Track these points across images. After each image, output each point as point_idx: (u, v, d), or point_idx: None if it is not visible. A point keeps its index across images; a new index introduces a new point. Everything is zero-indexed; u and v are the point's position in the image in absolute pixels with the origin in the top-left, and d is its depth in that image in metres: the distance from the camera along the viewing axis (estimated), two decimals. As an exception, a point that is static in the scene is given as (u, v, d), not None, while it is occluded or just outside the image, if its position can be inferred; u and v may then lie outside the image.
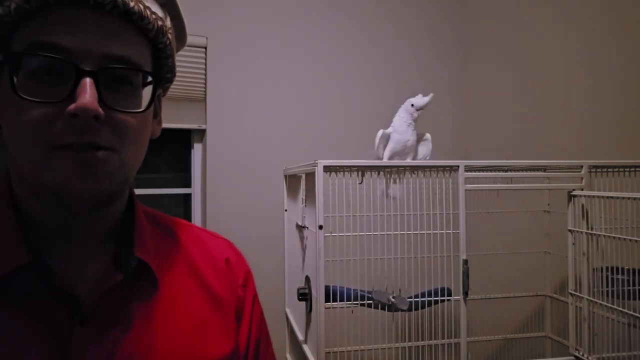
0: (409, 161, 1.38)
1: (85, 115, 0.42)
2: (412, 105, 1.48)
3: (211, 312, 0.55)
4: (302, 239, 1.66)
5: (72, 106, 0.42)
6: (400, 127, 1.49)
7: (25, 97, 0.42)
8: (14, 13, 0.43)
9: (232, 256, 0.63)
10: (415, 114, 1.48)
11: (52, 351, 0.44)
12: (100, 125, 0.44)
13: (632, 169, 1.39)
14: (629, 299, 1.18)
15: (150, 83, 0.50)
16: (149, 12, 0.48)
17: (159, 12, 0.50)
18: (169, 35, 0.52)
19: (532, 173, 1.57)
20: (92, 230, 0.50)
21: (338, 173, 1.46)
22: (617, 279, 1.21)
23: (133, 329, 0.49)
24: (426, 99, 1.48)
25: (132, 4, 0.46)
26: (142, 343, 0.49)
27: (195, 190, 2.24)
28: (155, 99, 0.51)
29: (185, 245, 0.59)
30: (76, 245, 0.49)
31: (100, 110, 0.43)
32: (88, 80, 0.43)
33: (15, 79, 0.43)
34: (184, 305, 0.53)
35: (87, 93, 0.42)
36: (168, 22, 0.52)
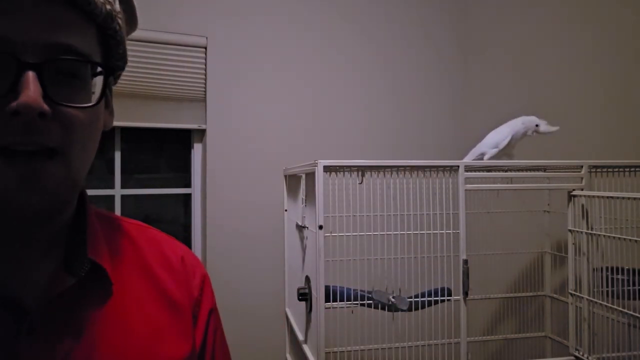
0: (409, 161, 1.38)
1: (29, 113, 0.38)
2: (537, 125, 1.52)
3: (167, 315, 0.53)
4: (302, 239, 1.66)
5: (13, 103, 0.38)
6: (515, 137, 1.54)
7: None
8: None
9: (188, 256, 0.60)
10: (530, 133, 1.53)
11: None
12: (46, 123, 0.40)
13: (632, 169, 1.39)
14: (629, 299, 1.18)
15: (100, 74, 0.46)
16: None
17: None
18: (119, 21, 0.48)
19: (532, 173, 1.57)
20: (38, 235, 0.46)
21: (338, 173, 1.46)
22: (617, 279, 1.21)
23: (86, 336, 0.45)
24: (552, 129, 1.52)
25: None
26: (96, 350, 0.46)
27: (195, 190, 2.24)
28: (106, 90, 0.47)
29: (139, 246, 0.56)
30: (20, 250, 0.45)
31: (45, 106, 0.39)
32: (31, 74, 0.39)
33: None
34: (139, 310, 0.50)
35: (30, 88, 0.38)
36: (117, 6, 0.48)
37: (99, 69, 0.46)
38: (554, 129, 1.52)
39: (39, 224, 0.45)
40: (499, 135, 1.57)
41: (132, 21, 0.52)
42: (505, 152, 1.56)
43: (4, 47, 0.39)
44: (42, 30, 0.40)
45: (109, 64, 0.49)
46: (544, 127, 1.52)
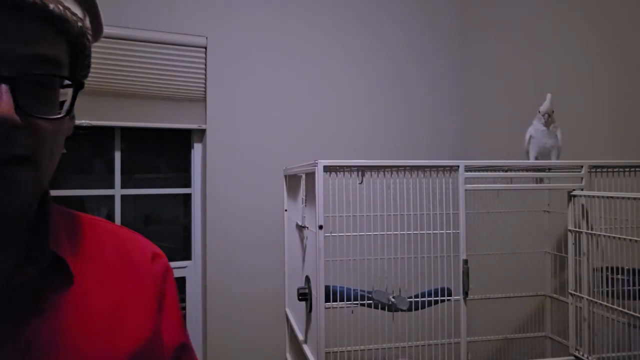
0: (409, 161, 1.38)
1: (2, 124, 0.40)
2: (539, 111, 1.56)
3: (127, 302, 0.55)
4: (302, 239, 1.66)
5: None
6: (536, 134, 1.57)
7: None
8: None
9: (158, 252, 0.63)
10: (543, 120, 1.54)
11: None
12: (18, 133, 0.42)
13: (632, 169, 1.39)
14: (629, 299, 1.18)
15: (69, 86, 0.48)
16: (69, 14, 0.46)
17: (79, 12, 0.49)
18: (88, 36, 0.51)
19: (532, 173, 1.57)
20: (1, 232, 0.48)
21: (338, 173, 1.46)
22: (617, 279, 1.21)
23: (48, 323, 0.48)
24: (546, 102, 1.54)
25: (51, 6, 0.44)
26: (58, 336, 0.48)
27: (195, 190, 2.24)
28: (74, 103, 0.49)
29: (99, 242, 0.58)
30: None
31: (17, 118, 0.41)
32: (4, 87, 0.40)
33: None
34: (100, 298, 0.53)
35: (4, 101, 0.40)
36: (87, 22, 0.51)
37: (67, 81, 0.48)
38: (547, 100, 1.54)
39: (3, 225, 0.47)
40: (526, 135, 1.61)
41: (98, 32, 0.55)
42: (541, 146, 1.56)
43: None
44: (17, 44, 0.42)
45: (76, 76, 0.52)
46: (541, 108, 1.55)
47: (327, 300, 1.35)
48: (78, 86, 0.48)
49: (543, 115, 1.54)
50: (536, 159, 1.57)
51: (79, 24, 0.48)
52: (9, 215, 0.45)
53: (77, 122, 0.57)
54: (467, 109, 2.48)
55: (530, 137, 1.58)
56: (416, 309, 1.46)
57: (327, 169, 1.37)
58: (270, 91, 2.22)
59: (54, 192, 0.56)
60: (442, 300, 1.45)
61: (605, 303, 1.24)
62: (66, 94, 0.49)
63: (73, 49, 0.50)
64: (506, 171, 1.54)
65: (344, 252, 1.47)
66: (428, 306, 1.47)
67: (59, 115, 0.46)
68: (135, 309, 0.56)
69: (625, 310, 1.17)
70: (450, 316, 1.41)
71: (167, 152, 2.31)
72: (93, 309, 0.52)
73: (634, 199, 1.14)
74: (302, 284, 1.59)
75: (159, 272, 0.61)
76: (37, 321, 0.47)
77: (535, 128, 1.58)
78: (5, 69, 0.41)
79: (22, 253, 0.49)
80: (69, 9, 0.46)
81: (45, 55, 0.44)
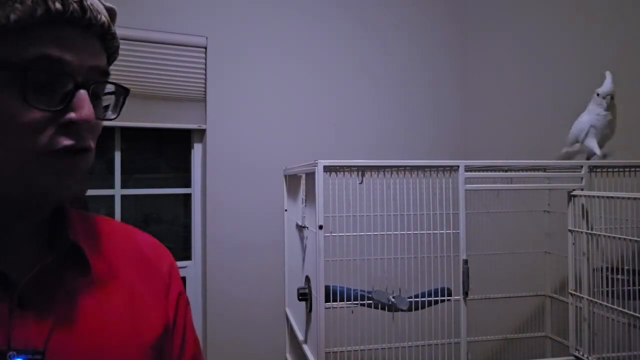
0: (409, 161, 1.38)
1: (86, 124, 0.49)
2: (598, 94, 1.35)
3: (143, 293, 0.59)
4: (302, 239, 1.67)
5: (73, 115, 0.48)
6: (598, 121, 1.37)
7: (32, 104, 0.46)
8: (13, 23, 0.45)
9: (158, 245, 0.68)
10: (605, 103, 1.34)
11: None
12: (90, 130, 0.50)
13: (632, 169, 1.39)
14: (629, 299, 1.18)
15: (112, 93, 0.57)
16: (114, 33, 0.55)
17: (113, 28, 0.56)
18: (118, 52, 0.59)
19: (532, 173, 1.57)
20: (26, 221, 0.53)
21: (338, 173, 1.46)
22: (617, 279, 1.21)
23: (71, 307, 0.51)
24: (607, 82, 1.34)
25: (113, 27, 0.53)
26: (82, 320, 0.52)
27: (195, 190, 2.24)
28: (123, 106, 0.58)
29: (114, 235, 0.63)
30: (9, 230, 0.51)
31: (95, 120, 0.50)
32: (83, 92, 0.48)
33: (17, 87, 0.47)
34: (117, 287, 0.57)
35: (87, 105, 0.48)
36: (118, 40, 0.58)
37: (111, 88, 0.57)
38: (608, 79, 1.36)
39: (32, 221, 0.53)
40: (579, 126, 1.42)
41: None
42: (605, 137, 1.38)
43: (67, 69, 0.48)
44: (87, 57, 0.50)
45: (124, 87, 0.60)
46: (602, 88, 1.35)
47: (327, 300, 1.35)
48: (126, 92, 0.57)
49: (604, 98, 1.33)
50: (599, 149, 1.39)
51: (116, 43, 0.56)
52: (76, 197, 0.51)
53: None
54: (468, 108, 2.48)
55: (591, 127, 1.37)
56: (416, 309, 1.46)
57: (327, 169, 1.37)
58: (270, 91, 2.22)
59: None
60: (442, 300, 1.45)
61: (605, 303, 1.24)
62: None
63: (108, 61, 0.57)
64: (506, 171, 1.54)
65: (344, 252, 1.47)
66: (428, 306, 1.47)
67: (114, 116, 0.56)
68: (149, 302, 0.59)
69: (625, 310, 1.17)
70: (450, 316, 1.41)
71: (167, 152, 2.31)
72: (111, 299, 0.56)
73: (634, 199, 1.14)
74: (302, 284, 1.59)
75: (165, 267, 0.65)
76: (60, 306, 0.51)
77: (595, 114, 1.36)
78: (81, 77, 0.49)
79: (44, 242, 0.54)
80: (115, 30, 0.55)
81: (103, 67, 0.53)
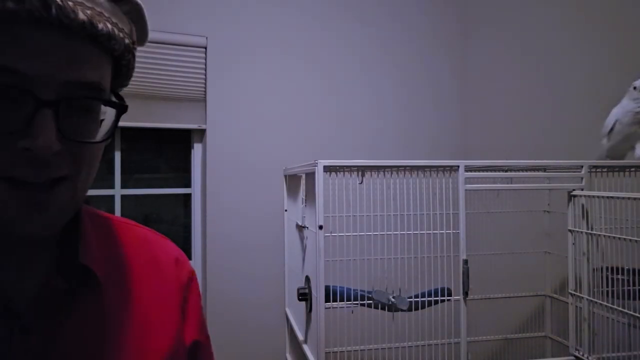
0: (409, 161, 1.38)
1: (42, 153, 0.39)
2: (635, 87, 1.24)
3: (154, 312, 0.54)
4: (302, 239, 1.67)
5: (27, 143, 0.38)
6: (625, 118, 1.27)
7: None
8: None
9: (180, 256, 0.62)
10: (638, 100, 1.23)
11: None
12: (57, 159, 0.40)
13: (632, 169, 1.39)
14: (629, 299, 1.18)
15: (110, 104, 0.47)
16: (116, 31, 0.43)
17: (126, 27, 0.46)
18: (134, 51, 0.49)
19: (532, 173, 1.57)
20: (31, 242, 0.47)
21: (338, 173, 1.46)
22: (617, 279, 1.20)
23: (79, 334, 0.47)
24: None
25: (100, 25, 0.41)
26: (89, 347, 0.47)
27: (195, 190, 2.24)
28: (116, 126, 0.48)
29: (130, 247, 0.57)
30: (12, 255, 0.46)
31: (59, 145, 0.40)
32: (47, 112, 0.39)
33: None
34: (128, 308, 0.52)
35: (46, 129, 0.39)
36: (134, 35, 0.49)
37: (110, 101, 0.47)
38: None
39: (37, 243, 0.46)
40: (607, 120, 1.32)
41: (142, 38, 0.53)
42: (622, 137, 1.27)
43: (21, 83, 0.38)
44: (62, 67, 0.40)
45: (116, 89, 0.50)
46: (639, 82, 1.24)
47: (327, 300, 1.35)
48: (121, 110, 0.46)
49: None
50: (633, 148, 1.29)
51: (126, 40, 0.46)
52: (46, 233, 0.43)
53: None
54: (468, 108, 2.48)
55: (617, 121, 1.29)
56: (416, 309, 1.46)
57: (327, 169, 1.37)
58: (271, 91, 2.22)
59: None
60: (442, 300, 1.45)
61: (605, 303, 1.24)
62: (105, 112, 0.47)
63: (116, 64, 0.48)
64: (506, 171, 1.54)
65: (344, 252, 1.47)
66: (428, 306, 1.47)
67: (99, 140, 0.45)
68: (162, 316, 0.55)
69: (625, 310, 1.17)
70: (450, 316, 1.41)
71: (167, 152, 2.32)
72: (122, 318, 0.51)
73: (634, 199, 1.14)
74: (302, 284, 1.59)
75: (183, 278, 0.60)
76: (67, 332, 0.46)
77: (625, 108, 1.26)
78: (49, 93, 0.39)
79: (52, 264, 0.48)
80: (116, 24, 0.44)
81: (89, 80, 0.42)
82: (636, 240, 1.13)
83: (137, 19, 0.49)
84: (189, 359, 0.58)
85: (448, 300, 1.44)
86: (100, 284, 0.49)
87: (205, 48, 2.11)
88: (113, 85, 0.48)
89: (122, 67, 0.48)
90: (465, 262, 1.36)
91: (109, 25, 0.42)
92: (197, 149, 2.23)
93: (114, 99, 0.49)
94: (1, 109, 0.39)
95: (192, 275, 0.62)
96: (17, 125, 0.38)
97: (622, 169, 1.40)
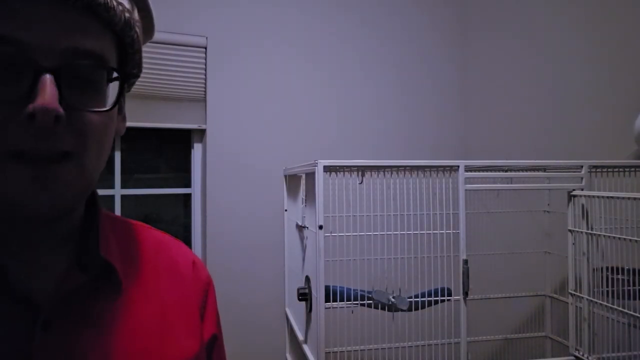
0: (409, 161, 1.38)
1: (45, 116, 0.38)
2: None
3: (174, 315, 0.54)
4: (302, 239, 1.67)
5: (30, 106, 0.38)
6: None
7: None
8: None
9: (197, 260, 0.62)
10: None
11: (15, 357, 0.42)
12: (61, 127, 0.40)
13: (632, 169, 1.39)
14: (629, 299, 1.18)
15: (116, 79, 0.46)
16: (115, 3, 0.44)
17: (126, 3, 0.46)
18: (137, 29, 0.48)
19: (532, 173, 1.57)
20: (50, 234, 0.47)
21: (338, 173, 1.46)
22: (617, 279, 1.21)
23: (100, 330, 0.47)
24: None
25: None
26: (107, 345, 0.47)
27: (195, 190, 2.24)
28: (121, 96, 0.47)
29: (148, 249, 0.57)
30: (32, 248, 0.46)
31: (61, 109, 0.39)
32: (48, 78, 0.39)
33: None
34: (148, 308, 0.52)
35: (47, 92, 0.38)
36: (136, 15, 0.48)
37: (115, 74, 0.46)
38: None
39: (48, 224, 0.45)
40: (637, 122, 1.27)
41: (149, 29, 0.53)
42: None
43: (21, 51, 0.39)
44: (60, 35, 0.40)
45: (125, 70, 0.50)
46: None
47: (327, 300, 1.35)
48: (124, 78, 0.46)
49: None
50: None
51: (126, 14, 0.45)
52: (52, 217, 0.42)
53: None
54: (468, 109, 2.48)
55: None
56: (416, 309, 1.46)
57: (327, 169, 1.37)
58: (271, 91, 2.22)
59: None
60: (442, 300, 1.45)
61: (605, 303, 1.24)
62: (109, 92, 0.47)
63: (120, 42, 0.47)
64: (506, 171, 1.54)
65: (344, 252, 1.47)
66: (428, 306, 1.47)
67: (104, 109, 0.44)
68: (181, 318, 0.54)
69: (625, 310, 1.17)
70: (450, 316, 1.41)
71: (167, 152, 2.32)
72: (142, 318, 0.51)
73: (634, 199, 1.14)
74: (302, 284, 1.59)
75: (202, 282, 0.60)
76: (87, 331, 0.46)
77: None
78: (48, 60, 0.39)
79: (72, 259, 0.48)
80: None
81: (90, 48, 0.42)
82: (636, 240, 1.13)
83: (141, 4, 0.50)
84: (207, 352, 0.58)
85: (448, 300, 1.44)
86: (120, 281, 0.49)
87: (205, 48, 2.11)
88: (122, 69, 0.49)
89: (127, 45, 0.48)
90: (465, 262, 1.36)
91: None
92: (197, 149, 2.23)
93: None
94: (3, 79, 0.39)
95: (209, 279, 0.62)
96: (20, 93, 0.39)
97: (622, 169, 1.40)
